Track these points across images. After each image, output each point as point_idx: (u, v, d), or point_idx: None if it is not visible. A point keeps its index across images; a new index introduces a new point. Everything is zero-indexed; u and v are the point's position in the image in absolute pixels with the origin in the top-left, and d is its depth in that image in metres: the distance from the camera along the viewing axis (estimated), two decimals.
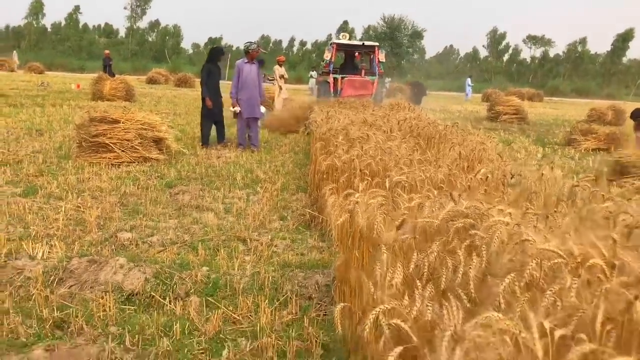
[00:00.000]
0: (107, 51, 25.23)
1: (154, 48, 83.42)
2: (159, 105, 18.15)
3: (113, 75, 21.98)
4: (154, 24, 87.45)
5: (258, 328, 3.11)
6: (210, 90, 9.63)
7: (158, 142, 8.26)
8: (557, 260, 1.70)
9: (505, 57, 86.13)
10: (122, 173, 7.13)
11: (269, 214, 5.63)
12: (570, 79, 73.76)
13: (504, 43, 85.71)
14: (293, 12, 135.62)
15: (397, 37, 61.42)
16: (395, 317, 1.52)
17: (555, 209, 3.06)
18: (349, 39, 19.13)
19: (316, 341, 2.99)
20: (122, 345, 2.87)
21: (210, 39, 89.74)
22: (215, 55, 10.00)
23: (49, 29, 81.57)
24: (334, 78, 17.01)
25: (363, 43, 18.67)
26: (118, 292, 3.44)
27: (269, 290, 3.63)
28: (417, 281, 1.78)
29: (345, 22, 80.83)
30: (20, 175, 6.69)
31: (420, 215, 2.42)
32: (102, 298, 3.33)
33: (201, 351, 2.89)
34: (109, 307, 3.24)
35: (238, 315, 3.29)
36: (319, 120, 7.49)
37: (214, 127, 9.87)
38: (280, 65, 15.83)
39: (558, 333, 1.24)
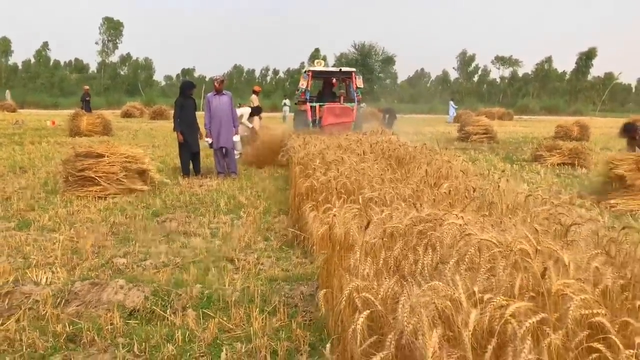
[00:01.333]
0: (86, 87, 25.53)
1: (127, 82, 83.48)
2: (136, 139, 18.45)
3: (90, 110, 22.21)
4: (126, 58, 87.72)
5: (251, 333, 3.49)
6: (183, 123, 9.98)
7: (142, 173, 8.60)
8: (494, 249, 2.13)
9: (476, 78, 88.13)
10: (109, 204, 7.45)
11: (254, 235, 6.00)
12: (539, 97, 75.70)
13: (473, 65, 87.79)
14: (264, 42, 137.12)
15: (368, 63, 62.80)
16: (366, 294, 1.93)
17: (508, 215, 3.53)
18: (324, 66, 18.46)
19: (304, 341, 3.37)
20: (131, 352, 3.21)
21: (183, 70, 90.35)
22: (186, 89, 10.33)
23: (20, 67, 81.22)
24: (312, 106, 16.19)
25: (340, 69, 17.90)
26: (121, 309, 3.78)
27: (258, 302, 4.00)
28: (385, 272, 2.19)
29: (317, 50, 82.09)
30: (11, 210, 6.97)
31: (388, 222, 2.84)
32: (108, 314, 3.68)
33: (202, 354, 3.25)
34: (115, 321, 3.58)
35: (232, 325, 3.65)
36: (296, 146, 7.93)
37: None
38: (257, 95, 16.36)
39: (486, 297, 1.65)
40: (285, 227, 6.27)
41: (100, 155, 8.28)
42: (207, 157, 11.69)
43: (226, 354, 3.21)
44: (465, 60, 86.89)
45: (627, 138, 10.28)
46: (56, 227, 6.21)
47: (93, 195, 7.89)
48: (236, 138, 10.81)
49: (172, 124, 10.67)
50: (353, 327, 1.73)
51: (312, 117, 15.79)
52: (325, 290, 2.44)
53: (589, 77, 79.15)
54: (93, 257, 5.10)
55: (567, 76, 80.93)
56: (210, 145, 10.22)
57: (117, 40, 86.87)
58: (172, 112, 31.67)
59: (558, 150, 13.05)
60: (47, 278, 4.40)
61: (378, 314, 1.84)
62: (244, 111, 12.95)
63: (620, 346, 1.49)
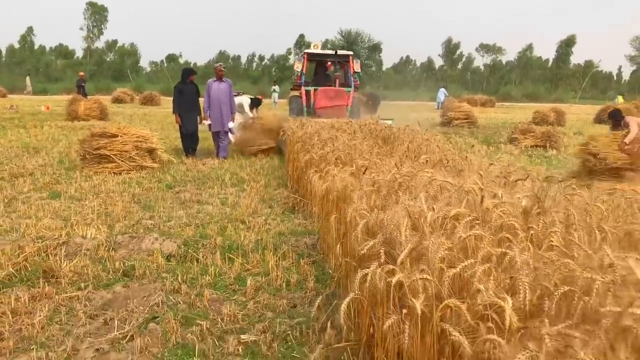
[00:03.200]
0: (81, 73, 26.15)
1: (113, 67, 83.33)
2: (132, 123, 19.10)
3: (86, 96, 22.85)
4: (112, 44, 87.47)
5: (268, 269, 4.41)
6: (181, 107, 10.76)
7: (151, 152, 9.44)
8: (451, 189, 3.06)
9: (460, 66, 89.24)
10: (125, 179, 8.29)
11: (259, 204, 6.90)
12: (522, 84, 77.01)
13: (458, 52, 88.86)
14: (250, 28, 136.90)
15: (355, 50, 63.45)
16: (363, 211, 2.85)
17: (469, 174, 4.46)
18: (321, 49, 17.68)
19: (310, 274, 4.30)
20: (176, 281, 4.12)
21: (168, 56, 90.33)
22: (185, 75, 11.07)
23: (4, 53, 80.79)
24: (306, 91, 15.57)
25: (336, 52, 17.21)
26: (160, 254, 4.67)
27: (271, 249, 4.92)
28: (375, 209, 3.10)
29: (302, 36, 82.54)
30: (39, 184, 7.79)
31: (377, 177, 3.76)
32: (150, 257, 4.58)
33: (231, 283, 4.17)
34: (158, 261, 4.49)
35: (251, 265, 4.57)
36: (294, 127, 8.83)
37: None
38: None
39: (438, 207, 2.57)
40: (285, 197, 7.18)
41: (114, 135, 9.11)
42: (205, 140, 12.52)
43: (251, 278, 4.13)
44: (450, 48, 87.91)
45: (612, 124, 10.97)
46: (83, 196, 7.06)
47: (109, 171, 8.73)
48: (231, 124, 11.35)
49: (165, 110, 11.46)
50: (355, 231, 2.64)
51: (307, 101, 15.41)
52: (334, 216, 3.35)
53: (570, 65, 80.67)
54: (124, 219, 5.98)
55: (549, 64, 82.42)
56: (210, 127, 11.01)
57: (102, 26, 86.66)
58: (163, 98, 32.08)
59: (531, 134, 14.08)
60: (91, 233, 5.27)
61: (370, 227, 2.75)
62: (244, 101, 13.27)
63: (521, 234, 2.40)
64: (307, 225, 5.86)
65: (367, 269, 2.09)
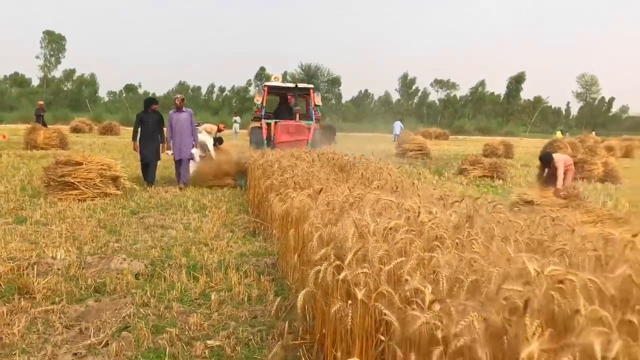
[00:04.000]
0: (40, 102, 25.99)
1: (70, 97, 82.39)
2: (93, 152, 19.16)
3: (45, 125, 22.78)
4: (69, 73, 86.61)
5: (231, 285, 4.76)
6: (142, 136, 10.97)
7: (115, 180, 9.68)
8: (394, 207, 3.53)
9: (416, 100, 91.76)
10: (90, 205, 8.51)
11: (221, 228, 7.24)
12: (475, 118, 79.65)
13: (414, 87, 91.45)
14: (210, 59, 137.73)
15: (315, 84, 64.66)
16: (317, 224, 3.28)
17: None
18: (282, 82, 17.75)
19: (269, 289, 4.67)
20: (145, 296, 4.43)
21: (127, 86, 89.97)
22: (147, 105, 11.30)
23: None
24: (267, 123, 15.76)
25: (296, 85, 17.23)
26: (129, 272, 4.97)
27: (233, 268, 5.27)
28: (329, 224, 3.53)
29: (263, 69, 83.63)
30: (3, 210, 7.95)
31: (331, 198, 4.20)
32: (120, 275, 4.88)
33: (197, 298, 4.51)
34: (127, 279, 4.79)
35: (214, 282, 4.91)
36: (255, 156, 9.24)
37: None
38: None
39: (382, 222, 3.02)
40: (247, 222, 7.54)
41: (79, 163, 9.34)
42: (166, 169, 12.80)
43: (214, 297, 4.48)
44: (407, 83, 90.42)
45: (541, 166, 10.73)
46: (49, 221, 7.27)
47: (73, 198, 8.92)
48: (194, 150, 11.53)
49: (125, 139, 11.67)
50: (311, 242, 3.05)
51: (267, 134, 15.45)
52: (281, 241, 3.76)
53: (520, 100, 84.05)
54: (92, 242, 6.23)
55: (500, 99, 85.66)
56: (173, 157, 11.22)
57: (60, 55, 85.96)
58: (122, 128, 31.97)
59: (480, 165, 14.86)
60: (61, 254, 5.52)
61: (324, 238, 3.17)
62: (207, 141, 12.77)
63: (449, 244, 2.86)
64: (267, 247, 6.23)
65: (320, 266, 2.51)
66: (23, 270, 4.90)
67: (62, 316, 4.01)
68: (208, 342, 3.65)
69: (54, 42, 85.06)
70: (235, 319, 4.07)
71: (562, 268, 2.09)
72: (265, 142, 15.36)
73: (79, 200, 8.88)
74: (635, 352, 1.62)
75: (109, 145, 23.33)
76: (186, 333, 3.79)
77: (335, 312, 2.30)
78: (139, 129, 11.03)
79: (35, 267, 5.06)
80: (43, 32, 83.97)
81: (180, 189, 10.69)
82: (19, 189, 9.91)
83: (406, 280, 2.16)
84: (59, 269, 5.03)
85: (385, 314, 2.02)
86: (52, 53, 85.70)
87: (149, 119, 11.11)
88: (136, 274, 5.01)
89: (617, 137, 39.90)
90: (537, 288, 1.91)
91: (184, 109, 11.20)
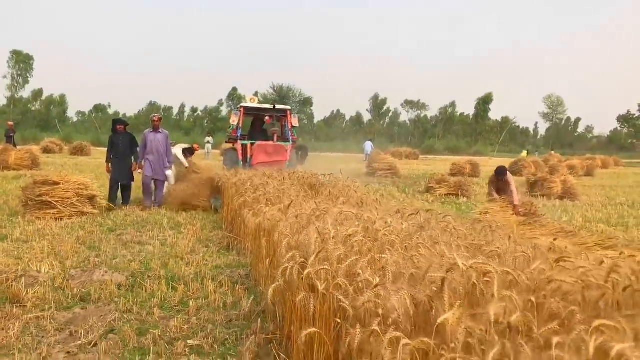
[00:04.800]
0: (10, 122, 25.95)
1: (39, 117, 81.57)
2: (64, 173, 19.31)
3: (15, 145, 22.81)
4: (37, 93, 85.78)
5: (208, 294, 5.16)
6: (114, 158, 11.03)
7: (91, 199, 9.97)
8: (354, 218, 4.00)
9: (387, 120, 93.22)
10: (68, 224, 8.79)
11: (196, 244, 7.61)
12: (445, 138, 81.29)
13: (385, 107, 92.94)
14: (180, 79, 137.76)
15: (287, 104, 65.37)
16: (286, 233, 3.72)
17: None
18: (258, 103, 17.22)
19: (244, 296, 5.08)
20: (128, 304, 4.80)
21: (96, 106, 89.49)
22: (113, 126, 11.45)
23: None
24: (242, 144, 15.40)
25: (274, 106, 16.71)
26: (111, 283, 5.33)
27: (209, 278, 5.66)
28: (297, 233, 3.97)
29: (235, 89, 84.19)
30: None
31: (299, 211, 4.66)
32: (102, 286, 5.24)
33: (176, 305, 4.89)
34: (110, 289, 5.15)
35: (192, 291, 5.30)
36: (228, 174, 9.65)
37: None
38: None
39: (342, 230, 3.48)
40: (221, 238, 7.93)
41: (56, 183, 9.61)
42: (138, 189, 13.08)
43: (193, 304, 4.87)
44: (377, 103, 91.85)
45: (494, 178, 10.65)
46: (30, 239, 7.55)
47: (51, 217, 9.19)
48: (169, 172, 11.79)
49: (97, 159, 11.73)
50: (280, 249, 3.49)
51: (243, 155, 15.26)
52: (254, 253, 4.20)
53: (489, 121, 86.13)
54: (73, 257, 6.55)
55: (469, 120, 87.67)
56: (143, 176, 11.21)
57: (28, 75, 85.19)
58: (92, 148, 31.89)
59: (445, 183, 15.51)
60: (45, 268, 5.85)
61: (292, 244, 3.61)
62: (177, 151, 13.00)
63: (399, 247, 3.32)
64: (241, 260, 6.63)
65: (287, 265, 2.95)
66: (11, 282, 5.22)
67: (53, 321, 4.36)
68: (188, 341, 4.04)
69: (22, 62, 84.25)
70: (213, 322, 4.47)
71: (484, 262, 2.58)
72: (241, 163, 14.94)
73: (56, 219, 9.15)
74: (530, 320, 2.10)
75: (80, 165, 23.45)
76: (168, 334, 4.18)
77: (300, 301, 2.75)
78: (111, 151, 11.13)
79: (23, 279, 5.39)
80: (10, 52, 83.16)
81: (143, 209, 10.66)
82: None
83: (358, 274, 2.61)
84: (44, 281, 5.36)
85: (341, 301, 2.46)
86: (19, 73, 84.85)
87: (120, 140, 11.16)
88: (118, 285, 5.37)
89: (581, 157, 41.26)
90: (458, 275, 2.39)
91: (160, 130, 11.29)
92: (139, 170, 11.28)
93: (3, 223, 8.68)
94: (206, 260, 6.63)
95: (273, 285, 3.05)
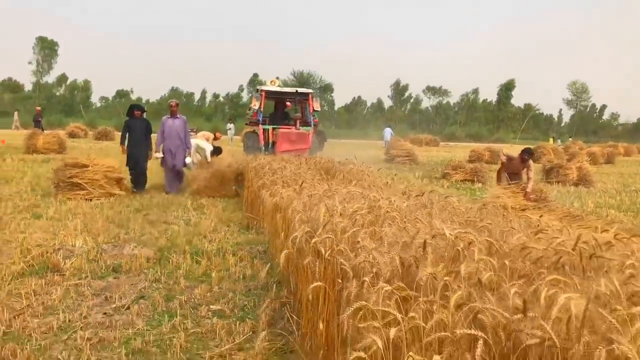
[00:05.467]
0: (38, 108, 26.78)
1: (63, 102, 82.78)
2: (91, 157, 19.96)
3: (43, 130, 23.54)
4: (62, 78, 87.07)
5: (229, 266, 5.61)
6: (129, 143, 11.02)
7: (119, 181, 10.50)
8: (361, 198, 4.39)
9: (408, 107, 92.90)
10: (97, 204, 9.33)
11: (218, 224, 8.08)
12: (466, 125, 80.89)
13: (406, 94, 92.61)
14: (202, 65, 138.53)
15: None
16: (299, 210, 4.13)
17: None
18: (279, 86, 16.97)
19: (262, 268, 5.51)
20: (156, 274, 5.28)
21: (118, 91, 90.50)
22: (129, 111, 11.44)
23: None
24: (264, 129, 15.32)
25: (296, 90, 16.47)
26: (140, 257, 5.81)
27: (230, 253, 6.12)
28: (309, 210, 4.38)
29: (256, 75, 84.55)
30: (20, 207, 8.75)
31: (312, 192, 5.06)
32: (132, 259, 5.72)
33: (200, 276, 5.35)
34: (139, 262, 5.63)
35: (214, 265, 5.75)
36: (248, 159, 10.10)
37: None
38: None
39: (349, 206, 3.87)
40: (241, 218, 8.39)
41: (85, 166, 10.16)
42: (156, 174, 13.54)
43: (216, 273, 5.33)
44: (399, 90, 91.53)
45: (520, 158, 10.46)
46: (63, 217, 8.08)
47: (81, 197, 9.73)
48: (188, 160, 11.64)
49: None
50: (293, 223, 3.90)
51: (265, 140, 15.15)
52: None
53: (512, 108, 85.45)
54: (104, 233, 7.06)
55: (492, 107, 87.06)
56: (162, 162, 11.34)
57: (52, 61, 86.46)
58: (116, 133, 32.27)
59: (462, 169, 15.81)
60: (79, 243, 6.35)
61: (304, 219, 4.02)
62: (207, 148, 12.79)
63: (398, 221, 3.71)
64: (260, 238, 7.08)
65: (296, 233, 3.36)
66: (50, 254, 5.73)
67: (89, 288, 4.85)
68: (211, 306, 4.50)
69: (47, 48, 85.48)
70: (233, 291, 4.92)
71: (467, 232, 2.96)
72: (263, 148, 14.87)
73: (86, 199, 9.69)
74: (500, 280, 2.48)
75: (106, 150, 24.08)
76: (192, 300, 4.64)
77: (307, 264, 3.16)
78: (127, 135, 11.16)
79: (60, 251, 5.90)
80: (36, 38, 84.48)
81: (168, 192, 10.85)
82: (29, 189, 10.70)
83: (358, 242, 3.00)
84: (80, 254, 5.86)
85: (342, 264, 2.86)
86: (44, 58, 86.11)
87: (136, 125, 11.15)
88: (147, 258, 5.84)
89: (602, 144, 40.97)
90: (444, 243, 2.78)
91: (178, 116, 11.29)
92: (157, 155, 11.20)
93: (37, 202, 9.24)
94: (227, 238, 7.08)
95: (285, 252, 3.47)
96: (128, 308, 4.41)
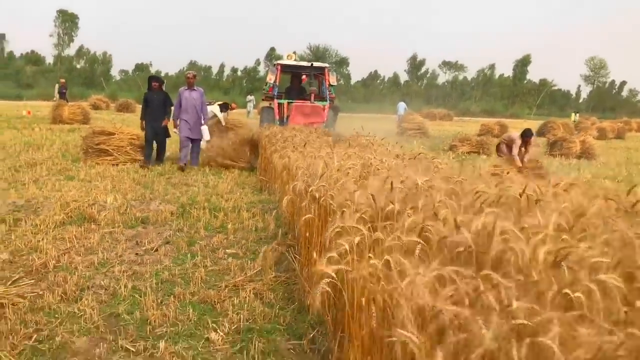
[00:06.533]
0: (62, 80, 27.59)
1: (83, 75, 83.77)
2: (117, 125, 20.79)
3: (67, 101, 24.37)
4: (82, 51, 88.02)
5: (243, 220, 6.35)
6: (148, 116, 10.88)
7: (142, 148, 11.24)
8: (358, 158, 5.07)
9: (424, 82, 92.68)
10: (122, 169, 10.10)
11: (234, 186, 8.81)
12: (482, 100, 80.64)
13: (423, 69, 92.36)
14: (220, 39, 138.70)
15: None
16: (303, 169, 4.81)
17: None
18: (295, 60, 16.80)
19: (271, 223, 6.23)
20: (179, 224, 6.03)
21: (137, 64, 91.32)
22: (149, 83, 11.32)
23: None
24: (279, 103, 15.32)
25: (312, 64, 16.19)
26: (165, 211, 6.56)
27: (244, 209, 6.85)
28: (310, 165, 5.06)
29: (273, 49, 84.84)
30: (53, 170, 9.55)
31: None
32: (157, 213, 6.47)
33: (217, 227, 6.09)
34: (164, 215, 6.38)
35: (230, 219, 6.49)
36: (262, 129, 10.79)
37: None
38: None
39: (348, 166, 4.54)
40: (255, 182, 9.11)
41: (112, 133, 10.93)
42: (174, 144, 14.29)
43: (231, 225, 6.06)
44: (416, 64, 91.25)
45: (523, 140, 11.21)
46: (93, 179, 8.86)
47: (108, 162, 10.52)
48: (206, 134, 11.65)
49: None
50: (297, 177, 4.59)
51: (280, 114, 15.13)
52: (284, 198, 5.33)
53: (528, 83, 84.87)
54: (131, 192, 7.82)
55: (508, 82, 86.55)
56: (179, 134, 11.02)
57: (73, 33, 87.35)
58: (137, 105, 32.79)
59: (468, 142, 16.34)
60: (110, 200, 7.12)
61: (305, 174, 4.70)
62: (214, 109, 13.19)
63: (385, 174, 4.37)
64: (271, 198, 7.79)
65: (296, 182, 4.06)
66: (86, 207, 6.50)
67: (122, 235, 5.61)
68: (227, 250, 5.24)
69: (67, 21, 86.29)
70: (246, 239, 5.65)
71: (434, 181, 3.63)
72: (278, 122, 14.60)
73: (112, 164, 10.47)
74: (454, 213, 3.14)
75: (127, 121, 24.87)
76: (211, 245, 5.38)
77: (304, 206, 3.85)
78: (146, 108, 11.07)
79: (95, 206, 6.67)
80: (57, 11, 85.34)
81: (180, 168, 10.51)
82: (60, 155, 11.51)
83: (345, 189, 3.68)
84: (112, 208, 6.63)
85: (331, 205, 3.54)
86: (65, 31, 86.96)
87: (154, 98, 11.05)
88: (171, 212, 6.60)
89: (615, 120, 41.00)
90: (414, 189, 3.46)
91: (195, 88, 11.05)
92: (175, 130, 11.16)
93: (69, 167, 10.03)
94: (242, 198, 7.81)
95: (287, 197, 4.18)
96: (156, 250, 5.16)
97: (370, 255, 2.48)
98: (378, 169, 4.56)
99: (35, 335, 3.32)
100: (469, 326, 1.64)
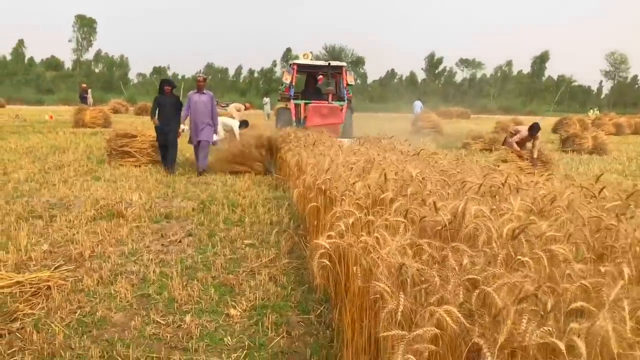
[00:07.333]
0: (84, 85, 28.35)
1: (102, 79, 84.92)
2: (138, 129, 21.45)
3: (89, 105, 25.08)
4: (100, 56, 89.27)
5: (259, 214, 6.83)
6: (160, 120, 10.55)
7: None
8: (362, 155, 5.52)
9: (442, 80, 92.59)
10: (145, 169, 10.64)
11: (251, 185, 9.30)
12: (500, 97, 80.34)
13: (441, 67, 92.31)
14: (236, 41, 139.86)
15: None
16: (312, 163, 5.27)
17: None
18: (311, 60, 16.45)
19: (285, 217, 6.71)
20: (200, 218, 6.53)
21: (155, 68, 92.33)
22: (161, 87, 11.00)
23: None
24: (296, 104, 14.99)
25: (329, 63, 15.76)
26: (187, 207, 7.07)
27: (260, 205, 7.33)
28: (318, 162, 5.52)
29: (289, 50, 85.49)
30: (80, 172, 10.13)
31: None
32: (181, 208, 6.98)
33: (235, 221, 6.58)
34: (186, 211, 6.89)
35: (247, 214, 6.97)
36: (276, 130, 11.30)
37: None
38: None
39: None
40: (270, 181, 9.61)
41: (134, 136, 11.49)
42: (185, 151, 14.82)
43: (248, 219, 6.55)
44: (433, 63, 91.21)
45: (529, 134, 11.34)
46: (118, 179, 9.42)
47: (130, 164, 11.07)
48: (216, 137, 11.31)
49: None
50: (304, 176, 5.06)
51: (297, 115, 14.81)
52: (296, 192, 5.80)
53: (544, 79, 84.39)
54: (154, 191, 8.35)
55: (526, 79, 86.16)
56: (190, 141, 10.93)
57: (91, 38, 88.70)
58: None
59: (481, 139, 16.67)
60: (135, 198, 7.65)
61: (314, 168, 5.16)
62: (234, 125, 12.56)
63: (386, 170, 4.81)
64: (285, 195, 8.27)
65: (304, 176, 4.53)
66: (114, 204, 7.04)
67: (148, 228, 6.13)
68: (244, 241, 5.72)
69: (86, 26, 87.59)
70: (262, 231, 6.13)
71: (423, 170, 4.07)
72: (295, 123, 14.29)
73: (135, 165, 11.02)
74: (436, 204, 3.58)
75: (147, 124, 25.57)
76: (230, 237, 5.87)
77: (312, 197, 4.32)
78: (157, 111, 10.67)
79: (122, 203, 7.21)
80: (75, 17, 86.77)
81: (199, 174, 10.40)
82: (85, 157, 12.11)
83: (349, 181, 4.14)
84: (137, 205, 7.16)
85: (335, 195, 4.00)
86: (83, 36, 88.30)
87: (166, 102, 10.73)
88: (192, 208, 7.11)
89: (634, 115, 40.78)
90: (409, 180, 3.90)
91: (204, 91, 10.78)
92: (182, 127, 10.92)
93: (94, 168, 10.62)
94: (258, 195, 8.30)
95: (296, 189, 4.65)
96: (180, 242, 5.66)
97: (362, 233, 2.94)
98: (380, 164, 5.01)
99: (79, 311, 3.83)
100: (430, 279, 2.09)
